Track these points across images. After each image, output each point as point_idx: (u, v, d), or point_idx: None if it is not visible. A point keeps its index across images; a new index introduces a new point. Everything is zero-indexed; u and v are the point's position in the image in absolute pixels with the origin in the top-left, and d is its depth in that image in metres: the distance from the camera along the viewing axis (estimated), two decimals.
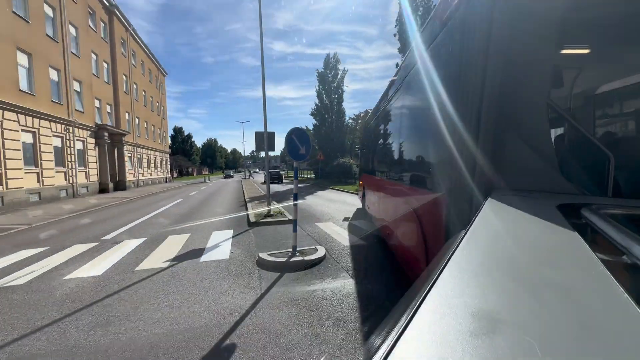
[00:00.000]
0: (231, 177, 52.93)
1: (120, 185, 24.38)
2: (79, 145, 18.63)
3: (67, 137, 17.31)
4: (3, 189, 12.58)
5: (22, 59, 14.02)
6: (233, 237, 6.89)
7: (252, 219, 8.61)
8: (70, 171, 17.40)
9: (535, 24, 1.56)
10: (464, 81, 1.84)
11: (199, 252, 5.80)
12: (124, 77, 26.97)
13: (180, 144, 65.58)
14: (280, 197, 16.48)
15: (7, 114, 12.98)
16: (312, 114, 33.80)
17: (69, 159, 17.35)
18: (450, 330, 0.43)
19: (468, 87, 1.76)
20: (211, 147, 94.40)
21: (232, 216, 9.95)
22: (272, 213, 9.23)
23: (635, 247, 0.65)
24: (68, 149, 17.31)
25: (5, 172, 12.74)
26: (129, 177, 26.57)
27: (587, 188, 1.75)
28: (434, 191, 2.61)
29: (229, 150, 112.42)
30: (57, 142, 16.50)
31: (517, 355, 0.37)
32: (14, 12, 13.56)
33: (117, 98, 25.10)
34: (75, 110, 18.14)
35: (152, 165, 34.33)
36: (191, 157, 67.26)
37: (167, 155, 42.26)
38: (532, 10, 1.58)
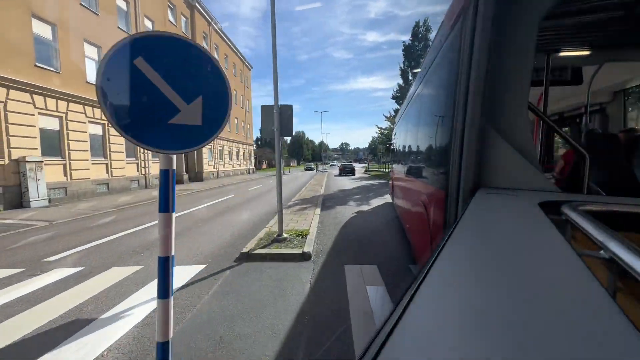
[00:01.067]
0: (311, 169, 51.97)
1: (197, 177, 25.07)
2: None
3: None
4: (67, 179, 12.92)
5: (90, 51, 14.28)
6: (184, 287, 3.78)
7: (251, 245, 5.38)
8: (142, 162, 17.82)
9: (521, 27, 1.63)
10: (453, 83, 1.94)
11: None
12: None
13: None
14: (339, 198, 12.91)
15: (73, 106, 13.25)
16: (393, 97, 28.69)
17: (141, 150, 17.73)
18: (439, 326, 0.45)
19: (457, 89, 1.82)
20: (298, 140, 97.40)
21: (243, 231, 6.96)
22: (284, 236, 5.80)
23: (611, 243, 0.68)
24: None
25: (70, 163, 13.05)
26: (208, 169, 27.33)
27: (566, 186, 2.02)
28: (432, 185, 2.84)
29: (316, 143, 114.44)
30: None
31: (503, 349, 0.39)
32: (82, 4, 13.76)
33: None
34: None
35: (234, 157, 35.40)
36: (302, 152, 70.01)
37: (251, 148, 43.65)
38: (517, 14, 1.64)
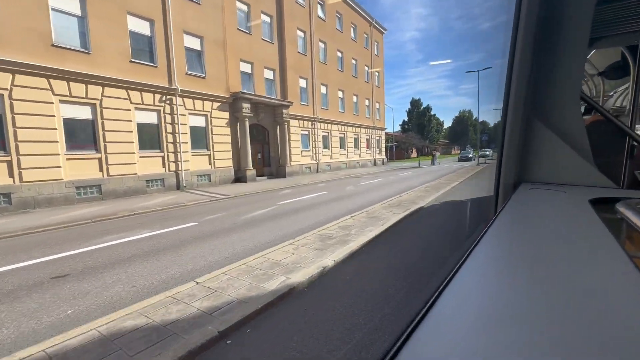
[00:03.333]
0: (469, 159, 36.84)
1: (279, 172, 19.38)
2: (195, 122, 14.41)
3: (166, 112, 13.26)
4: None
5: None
6: None
7: None
8: (177, 155, 13.45)
9: (571, 13, 1.49)
10: (500, 72, 1.84)
11: None
12: (299, 32, 21.21)
13: (417, 119, 56.24)
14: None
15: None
16: None
17: (173, 140, 13.34)
18: (465, 325, 0.43)
19: (502, 78, 1.73)
20: (463, 120, 77.40)
21: None
22: None
23: None
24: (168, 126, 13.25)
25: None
26: (300, 161, 21.18)
27: (623, 182, 1.74)
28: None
29: (491, 125, 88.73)
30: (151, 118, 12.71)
31: (530, 355, 0.37)
32: None
33: (284, 59, 19.71)
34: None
35: (350, 144, 27.80)
36: (429, 135, 56.20)
37: (381, 133, 34.57)
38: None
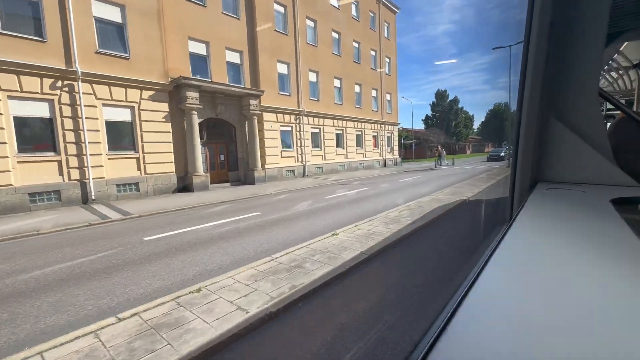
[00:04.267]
0: (500, 157, 30.86)
1: (248, 177, 15.78)
2: (114, 115, 11.16)
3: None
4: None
5: None
6: None
7: None
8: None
9: (588, 5, 1.42)
10: (514, 68, 1.88)
11: None
12: (276, 7, 17.42)
13: (444, 113, 50.06)
14: None
15: None
16: None
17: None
18: (492, 332, 0.42)
19: (516, 75, 1.66)
20: (498, 114, 69.16)
21: None
22: None
23: None
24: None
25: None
26: (276, 163, 17.43)
27: None
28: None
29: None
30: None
31: None
32: None
33: (255, 39, 16.05)
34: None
35: (351, 142, 23.59)
36: (456, 130, 49.78)
37: (394, 129, 29.82)
38: None
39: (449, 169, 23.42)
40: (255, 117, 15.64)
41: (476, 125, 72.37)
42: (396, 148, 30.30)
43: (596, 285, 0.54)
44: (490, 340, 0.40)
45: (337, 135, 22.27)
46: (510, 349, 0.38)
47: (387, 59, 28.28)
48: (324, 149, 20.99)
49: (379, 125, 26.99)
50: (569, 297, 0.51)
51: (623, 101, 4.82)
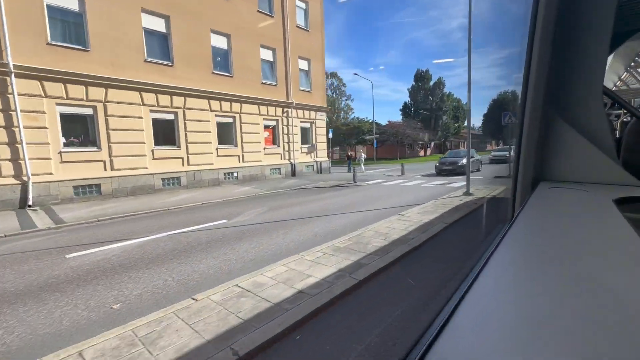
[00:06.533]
0: (504, 161, 20.53)
1: None
2: None
3: None
4: None
5: None
6: None
7: None
8: None
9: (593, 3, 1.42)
10: (518, 67, 1.80)
11: None
12: None
13: (423, 100, 38.92)
14: None
15: None
16: None
17: None
18: (491, 333, 0.42)
19: (520, 73, 1.65)
20: (502, 104, 57.61)
21: None
22: None
23: None
24: None
25: None
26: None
27: None
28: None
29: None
30: None
31: None
32: None
33: None
34: None
35: (197, 136, 13.54)
36: (441, 122, 38.70)
37: (321, 116, 19.55)
38: None
39: (362, 188, 13.11)
40: None
41: (479, 121, 61.11)
42: (323, 146, 20.04)
43: (597, 285, 0.54)
44: (489, 339, 0.39)
45: (188, 124, 12.35)
46: (510, 349, 0.37)
47: (303, 4, 18.02)
48: (153, 146, 11.07)
49: (280, 108, 16.84)
50: (569, 296, 0.50)
51: None
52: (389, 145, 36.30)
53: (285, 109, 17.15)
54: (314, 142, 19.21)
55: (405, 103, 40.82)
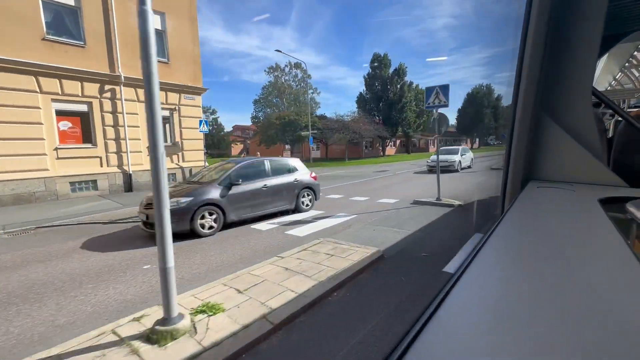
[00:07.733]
0: (447, 169, 15.57)
1: None
2: None
3: None
4: None
5: None
6: None
7: None
8: None
9: (584, 6, 1.43)
10: (510, 67, 1.88)
11: None
12: None
13: (382, 90, 33.15)
14: None
15: None
16: None
17: None
18: (473, 326, 0.43)
19: (507, 72, 1.72)
20: (476, 99, 53.15)
21: None
22: None
23: None
24: None
25: None
26: None
27: (635, 181, 1.71)
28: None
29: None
30: None
31: (538, 356, 0.36)
32: None
33: None
34: None
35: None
36: (402, 117, 33.13)
37: (191, 100, 13.27)
38: None
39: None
40: None
41: (453, 116, 56.46)
42: (195, 145, 13.79)
43: (579, 283, 0.55)
44: (473, 337, 0.40)
45: None
46: (492, 344, 0.38)
47: None
48: None
49: (97, 85, 10.47)
50: (551, 293, 0.51)
51: None
52: (352, 144, 30.57)
53: (108, 86, 10.77)
54: (177, 140, 12.94)
55: (360, 93, 34.87)
